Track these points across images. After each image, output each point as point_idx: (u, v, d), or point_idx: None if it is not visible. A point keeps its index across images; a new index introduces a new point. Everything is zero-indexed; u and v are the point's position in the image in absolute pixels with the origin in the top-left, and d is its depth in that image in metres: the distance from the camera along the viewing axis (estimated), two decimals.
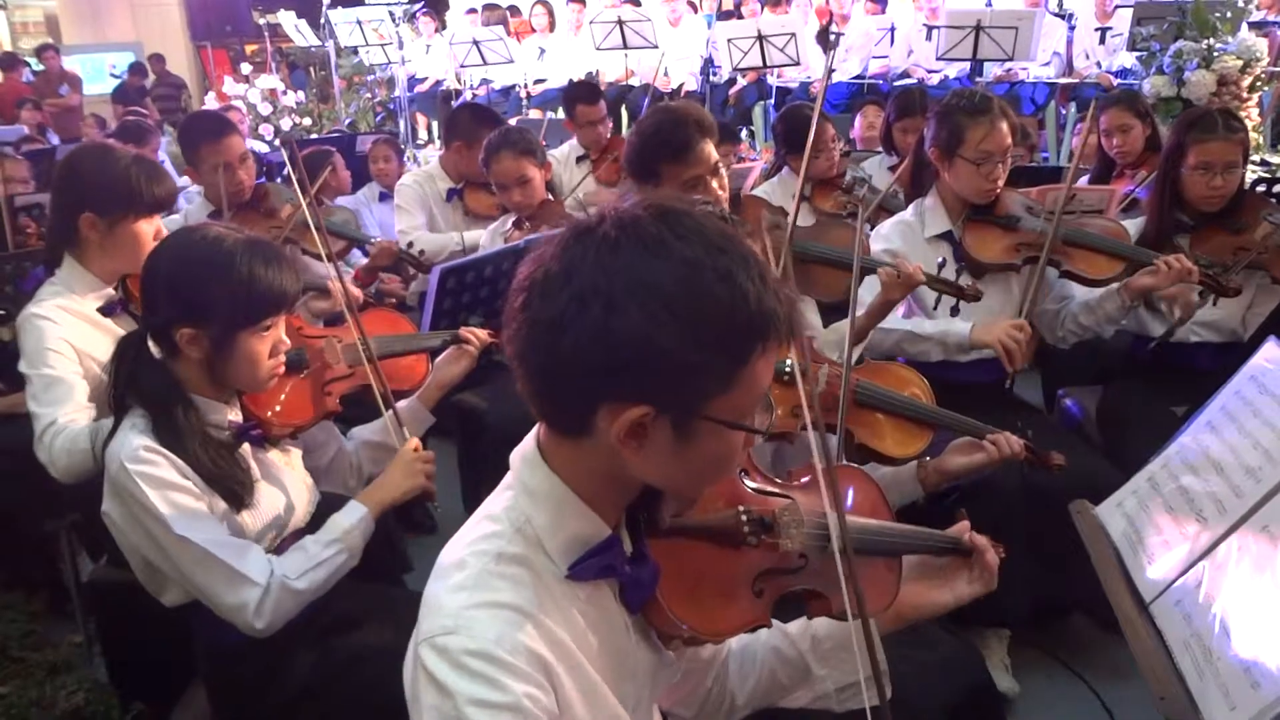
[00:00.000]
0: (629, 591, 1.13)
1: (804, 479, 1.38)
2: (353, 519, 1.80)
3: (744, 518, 1.23)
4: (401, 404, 2.09)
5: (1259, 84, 5.48)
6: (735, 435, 1.03)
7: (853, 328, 2.10)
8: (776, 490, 1.33)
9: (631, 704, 1.16)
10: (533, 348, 1.01)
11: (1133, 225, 2.88)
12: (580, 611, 1.08)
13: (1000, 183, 2.63)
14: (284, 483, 1.82)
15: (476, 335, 2.21)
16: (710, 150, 2.40)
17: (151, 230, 2.24)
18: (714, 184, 2.40)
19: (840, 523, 1.18)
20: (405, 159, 6.14)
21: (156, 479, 1.60)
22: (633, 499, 1.12)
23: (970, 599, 1.43)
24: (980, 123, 2.56)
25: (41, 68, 11.18)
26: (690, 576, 1.17)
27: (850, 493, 1.45)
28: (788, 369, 1.90)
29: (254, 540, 1.71)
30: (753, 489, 1.31)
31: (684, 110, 2.45)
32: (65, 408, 2.10)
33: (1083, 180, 3.87)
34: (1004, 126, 2.57)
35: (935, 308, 2.55)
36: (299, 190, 2.30)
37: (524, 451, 1.12)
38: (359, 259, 3.60)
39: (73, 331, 2.18)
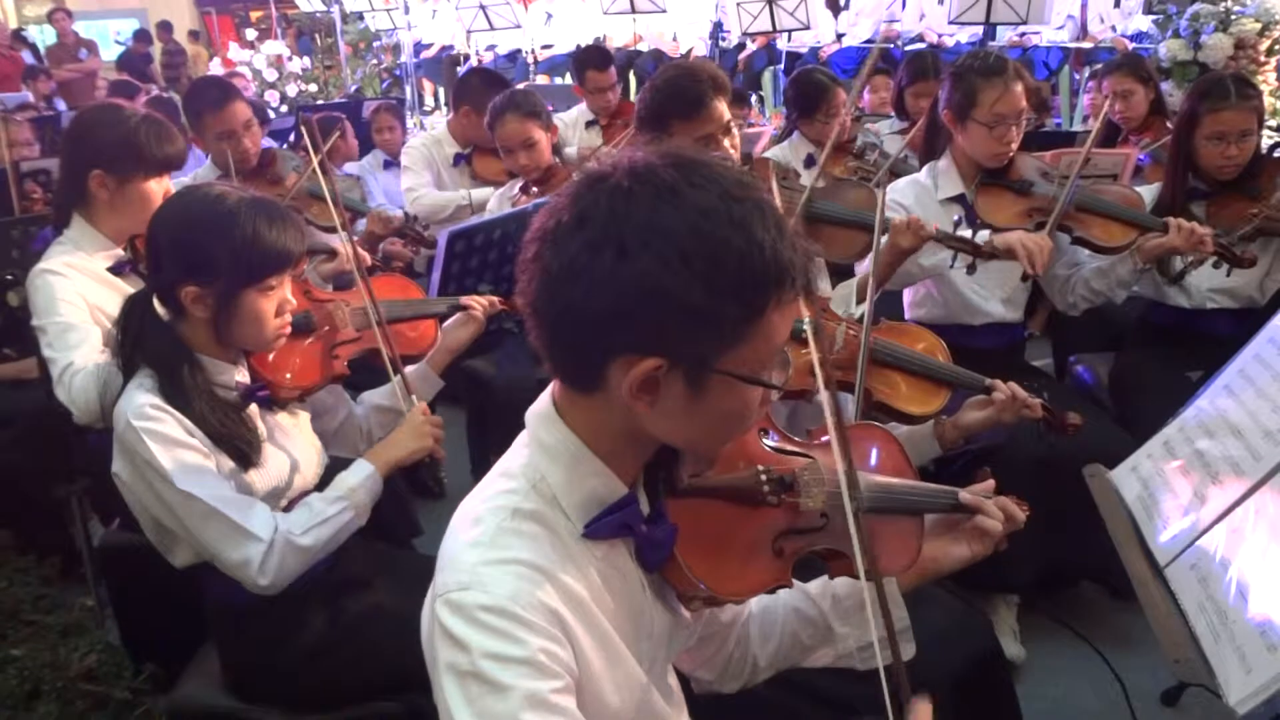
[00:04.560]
0: (645, 551, 1.11)
1: (825, 438, 1.36)
2: (359, 477, 1.80)
3: (764, 477, 1.21)
4: (411, 368, 2.08)
5: (1277, 47, 5.40)
6: (750, 390, 1.02)
7: (873, 296, 2.09)
8: (797, 449, 1.31)
9: (647, 663, 1.16)
10: (545, 298, 0.99)
11: (1147, 193, 2.84)
12: (596, 569, 1.07)
13: (1014, 146, 2.59)
14: (291, 445, 1.82)
15: (479, 302, 2.20)
16: (723, 108, 2.38)
17: (161, 190, 2.23)
18: (725, 143, 2.38)
19: (851, 480, 1.16)
20: (411, 126, 6.10)
21: (162, 435, 1.60)
22: (650, 457, 1.11)
23: (985, 554, 1.41)
24: (994, 84, 2.52)
25: (50, 36, 11.10)
26: (709, 536, 1.16)
27: (872, 451, 1.43)
28: (804, 327, 1.88)
29: (262, 501, 1.71)
30: (773, 448, 1.29)
31: (699, 67, 2.43)
32: (81, 351, 2.09)
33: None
34: (1018, 89, 2.54)
35: (951, 267, 2.53)
36: (312, 156, 2.26)
37: (539, 409, 1.10)
38: (363, 226, 3.58)
39: (83, 287, 2.18)
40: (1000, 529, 1.39)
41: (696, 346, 0.97)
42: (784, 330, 1.01)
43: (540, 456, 1.07)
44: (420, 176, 3.84)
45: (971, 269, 2.48)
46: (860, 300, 2.35)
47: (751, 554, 1.20)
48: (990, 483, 1.44)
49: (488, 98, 3.65)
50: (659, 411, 1.01)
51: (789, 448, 1.31)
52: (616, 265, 0.93)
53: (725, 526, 1.19)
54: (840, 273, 2.72)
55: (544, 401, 1.10)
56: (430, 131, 4.09)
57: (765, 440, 1.29)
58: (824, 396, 1.16)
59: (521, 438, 1.12)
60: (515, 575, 1.00)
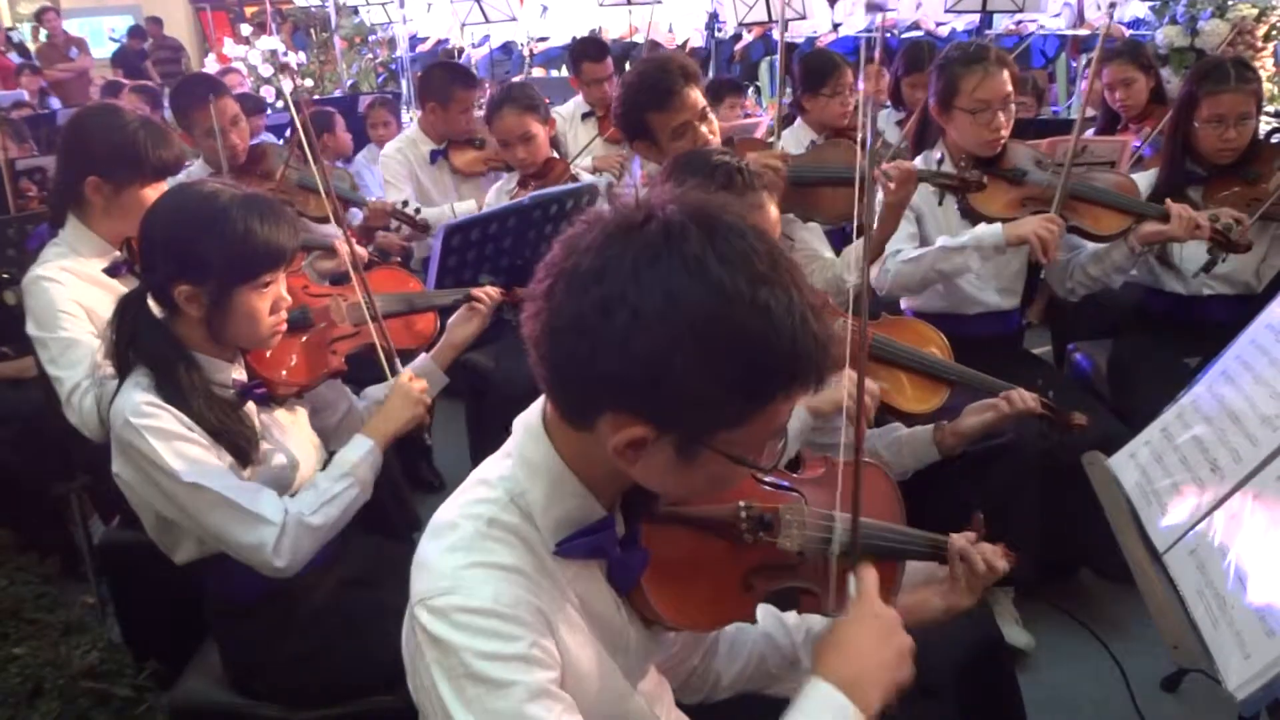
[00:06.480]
0: (616, 573, 1.11)
1: (819, 471, 1.33)
2: (360, 452, 1.80)
3: (743, 514, 1.18)
4: (415, 363, 2.07)
5: (1275, 33, 5.38)
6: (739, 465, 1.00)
7: (865, 281, 2.08)
8: (786, 484, 1.28)
9: (622, 674, 1.15)
10: (548, 338, 0.97)
11: (1144, 178, 2.84)
12: (571, 586, 1.07)
13: (1003, 133, 2.58)
14: (290, 441, 1.81)
15: (488, 295, 2.19)
16: (696, 95, 2.37)
17: (157, 195, 2.22)
18: (703, 129, 2.37)
19: (855, 529, 1.14)
20: (406, 120, 6.07)
21: (161, 431, 1.60)
22: (631, 485, 1.09)
23: (962, 611, 1.38)
24: (974, 71, 2.53)
25: (43, 33, 11.07)
26: (677, 566, 1.14)
27: (864, 492, 1.40)
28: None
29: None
30: (760, 482, 1.25)
31: (666, 57, 2.43)
32: (85, 367, 2.08)
33: (1089, 133, 3.82)
34: (1001, 75, 2.53)
35: (940, 203, 2.53)
36: (307, 149, 2.25)
37: (528, 422, 1.09)
38: (357, 218, 3.57)
39: (80, 292, 2.17)
40: (983, 581, 1.36)
41: (692, 425, 0.95)
42: (786, 415, 0.99)
43: (522, 471, 1.06)
44: (402, 192, 3.75)
45: (961, 205, 2.48)
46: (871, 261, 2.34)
47: (719, 587, 1.17)
48: (973, 535, 1.40)
49: (451, 89, 3.68)
50: (641, 466, 0.99)
51: (778, 481, 1.27)
52: (626, 333, 0.90)
53: (696, 557, 1.16)
54: (845, 234, 2.72)
55: (534, 414, 1.09)
56: (403, 133, 4.05)
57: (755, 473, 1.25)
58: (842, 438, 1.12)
59: (507, 445, 1.11)
60: (495, 577, 1.00)
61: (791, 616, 1.39)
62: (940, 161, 2.59)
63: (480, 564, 1.00)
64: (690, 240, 0.92)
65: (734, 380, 0.92)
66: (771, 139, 4.05)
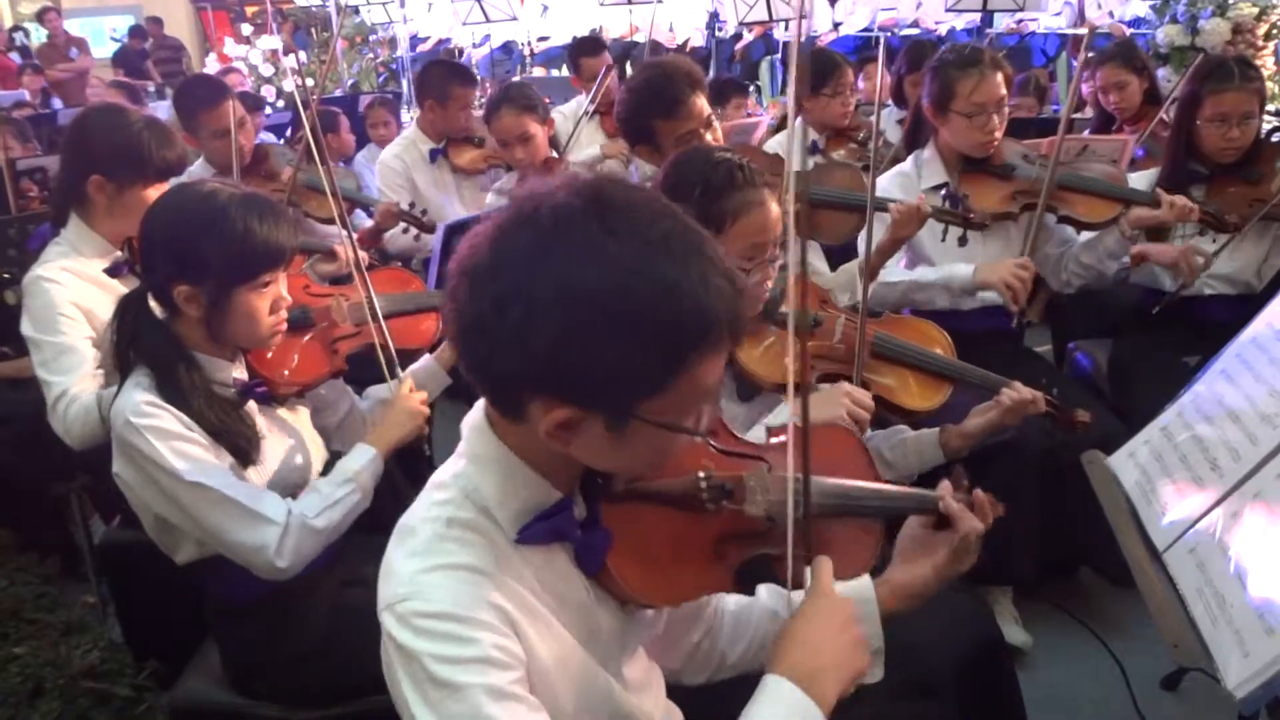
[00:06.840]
0: (581, 554, 1.11)
1: (782, 437, 1.32)
2: (362, 460, 1.80)
3: (703, 484, 1.18)
4: (418, 364, 2.08)
5: (1275, 31, 5.38)
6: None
7: (866, 286, 2.08)
8: (749, 453, 1.28)
9: (600, 660, 1.15)
10: (460, 339, 0.98)
11: (1143, 178, 2.84)
12: (535, 574, 1.07)
13: (997, 135, 2.59)
14: (291, 441, 1.81)
15: None
16: (702, 103, 2.37)
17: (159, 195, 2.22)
18: (708, 137, 2.37)
19: (804, 486, 1.12)
20: (406, 120, 6.07)
21: (162, 431, 1.59)
22: (586, 466, 1.09)
23: (949, 573, 1.33)
24: (969, 75, 2.53)
25: (44, 33, 11.08)
26: (644, 542, 1.14)
27: (831, 453, 1.38)
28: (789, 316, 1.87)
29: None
30: (720, 451, 1.26)
31: (672, 64, 2.42)
32: (77, 375, 2.09)
33: (1085, 132, 3.82)
34: (996, 78, 2.54)
35: (943, 239, 2.53)
36: (314, 148, 2.24)
37: (472, 420, 1.10)
38: (362, 220, 3.57)
39: (80, 294, 2.17)
40: (977, 528, 1.32)
41: (613, 400, 0.95)
42: (713, 375, 0.99)
43: (472, 468, 1.07)
44: (399, 200, 3.76)
45: (963, 240, 2.50)
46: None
47: (689, 559, 1.17)
48: (947, 484, 1.38)
49: (449, 87, 3.67)
50: (579, 446, 1.00)
51: (738, 450, 1.27)
52: (525, 324, 0.91)
53: (662, 532, 1.16)
54: (843, 251, 2.73)
55: (477, 413, 1.10)
56: (402, 135, 4.03)
57: (713, 444, 1.25)
58: (789, 397, 1.11)
59: (459, 448, 1.12)
60: (454, 579, 1.00)
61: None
62: (948, 201, 2.58)
63: (439, 567, 1.01)
64: (578, 223, 0.93)
65: (641, 350, 0.92)
66: (774, 139, 4.08)
